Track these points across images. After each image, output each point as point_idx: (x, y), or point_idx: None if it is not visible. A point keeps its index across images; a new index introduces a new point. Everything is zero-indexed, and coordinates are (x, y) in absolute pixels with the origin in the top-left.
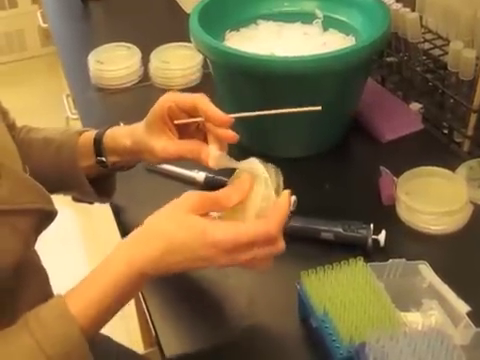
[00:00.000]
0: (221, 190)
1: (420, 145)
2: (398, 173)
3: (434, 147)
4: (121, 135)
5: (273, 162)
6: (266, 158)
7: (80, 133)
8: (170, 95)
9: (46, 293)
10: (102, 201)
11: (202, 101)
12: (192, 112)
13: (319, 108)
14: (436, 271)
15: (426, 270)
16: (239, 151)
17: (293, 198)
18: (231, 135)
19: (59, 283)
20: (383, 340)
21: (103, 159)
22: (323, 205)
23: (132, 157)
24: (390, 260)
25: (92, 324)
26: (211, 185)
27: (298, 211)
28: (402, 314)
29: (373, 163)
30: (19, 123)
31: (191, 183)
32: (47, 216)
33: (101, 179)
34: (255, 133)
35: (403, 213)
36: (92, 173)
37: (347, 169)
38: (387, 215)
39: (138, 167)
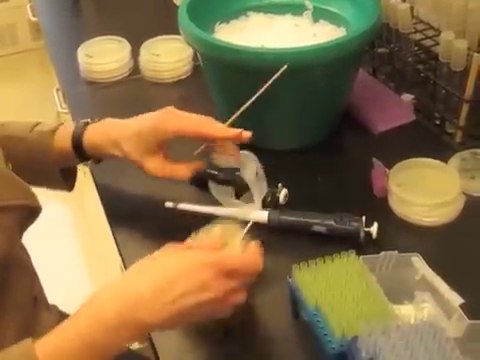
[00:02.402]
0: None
1: (412, 136)
2: (390, 165)
3: (426, 138)
4: (105, 145)
5: (265, 154)
6: (258, 150)
7: (53, 131)
8: (173, 122)
9: (33, 293)
10: (68, 190)
11: (207, 127)
12: (196, 136)
13: (285, 67)
14: (429, 263)
15: (419, 262)
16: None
17: (284, 191)
18: (246, 136)
19: (51, 278)
20: (375, 334)
21: (88, 163)
22: (315, 198)
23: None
24: (382, 252)
25: None
26: (201, 180)
27: (290, 204)
28: (395, 307)
29: (365, 155)
30: (11, 117)
31: None
32: (31, 212)
33: (66, 169)
34: (247, 126)
35: (395, 205)
36: (64, 166)
37: (339, 161)
38: (379, 207)
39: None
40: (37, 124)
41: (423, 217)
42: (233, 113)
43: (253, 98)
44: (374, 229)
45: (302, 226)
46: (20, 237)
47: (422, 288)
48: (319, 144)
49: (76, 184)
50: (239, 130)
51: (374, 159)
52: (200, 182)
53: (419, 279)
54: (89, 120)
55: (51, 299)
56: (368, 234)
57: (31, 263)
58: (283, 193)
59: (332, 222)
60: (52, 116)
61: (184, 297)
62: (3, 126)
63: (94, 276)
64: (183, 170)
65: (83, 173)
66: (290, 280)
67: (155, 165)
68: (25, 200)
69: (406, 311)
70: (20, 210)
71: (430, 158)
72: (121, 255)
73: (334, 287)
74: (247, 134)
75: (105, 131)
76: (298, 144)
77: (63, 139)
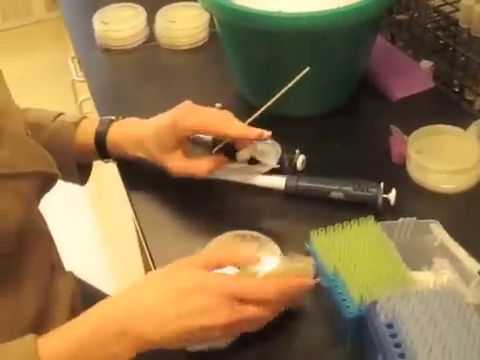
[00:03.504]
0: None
1: (431, 103)
2: (408, 132)
3: (445, 105)
4: (127, 145)
5: (282, 121)
6: (275, 117)
7: (76, 124)
8: (192, 118)
9: (51, 259)
10: (81, 184)
11: (227, 125)
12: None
13: (307, 69)
14: (447, 230)
15: (437, 229)
16: (248, 111)
17: (301, 157)
18: (267, 135)
19: (67, 248)
20: (394, 299)
21: (108, 160)
22: (333, 164)
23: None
24: (401, 219)
25: None
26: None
27: (307, 170)
28: (413, 273)
29: (383, 122)
30: (26, 88)
31: (199, 143)
32: (49, 179)
33: (82, 165)
34: (264, 92)
35: (414, 172)
36: (83, 161)
37: (357, 128)
38: (397, 174)
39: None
40: (60, 114)
41: (441, 184)
42: (249, 77)
43: (273, 99)
44: (392, 196)
45: (320, 192)
46: (37, 204)
47: (440, 255)
48: (337, 111)
49: None
50: (259, 130)
51: (392, 126)
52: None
53: (437, 246)
54: (113, 118)
55: (67, 266)
56: (386, 201)
57: (48, 230)
58: (301, 159)
59: (350, 188)
60: (67, 86)
61: (190, 319)
62: (27, 112)
63: (110, 244)
64: (204, 166)
65: None
66: (308, 246)
67: (176, 163)
68: (43, 167)
69: (424, 277)
70: (38, 177)
71: (449, 125)
72: (138, 221)
73: (352, 253)
74: (267, 133)
75: (126, 132)
76: (316, 111)
77: (86, 134)
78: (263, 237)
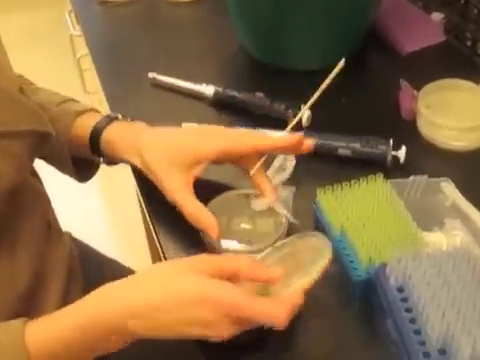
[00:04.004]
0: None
1: (441, 57)
2: (418, 87)
3: (456, 59)
4: (123, 149)
5: (287, 75)
6: (278, 71)
7: (78, 113)
8: (216, 144)
9: (47, 219)
10: (80, 180)
11: (261, 142)
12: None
13: (343, 60)
14: (459, 189)
15: (449, 187)
16: (253, 66)
17: (307, 113)
18: (308, 147)
19: (73, 226)
20: (405, 261)
21: (100, 159)
22: (340, 120)
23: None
24: (411, 177)
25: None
26: (221, 101)
27: (313, 127)
28: (424, 234)
29: (392, 76)
30: (24, 45)
31: (199, 98)
32: (43, 138)
33: (84, 160)
34: (269, 45)
35: (424, 128)
36: (79, 156)
37: (365, 82)
38: (407, 130)
39: (143, 82)
40: (67, 100)
41: (453, 141)
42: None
43: (315, 96)
44: (402, 153)
45: (326, 149)
46: (31, 163)
47: (452, 215)
48: (344, 64)
49: None
50: (300, 135)
51: (401, 80)
52: (222, 102)
53: (449, 205)
54: (119, 116)
55: (66, 228)
56: (395, 158)
57: (44, 190)
58: (306, 115)
59: (358, 145)
60: (65, 41)
61: (190, 329)
62: (36, 91)
63: (109, 205)
64: (203, 216)
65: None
66: (314, 205)
67: (178, 186)
68: (36, 125)
69: (436, 239)
70: (30, 136)
71: (461, 80)
72: (137, 181)
73: (360, 212)
74: (309, 143)
75: (127, 134)
76: (322, 64)
77: (84, 127)
78: None
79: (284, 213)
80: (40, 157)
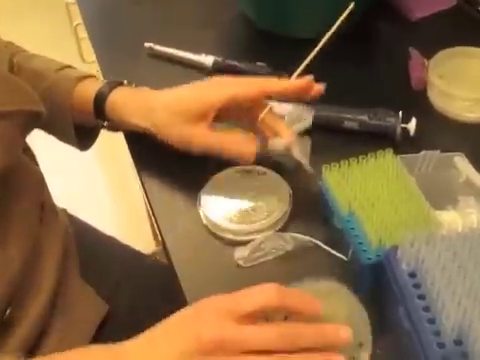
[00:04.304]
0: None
1: (453, 24)
2: (429, 55)
3: (469, 26)
4: (130, 111)
5: (288, 43)
6: (279, 38)
7: (79, 79)
8: (224, 92)
9: (40, 199)
10: (81, 148)
11: (269, 85)
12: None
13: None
14: (473, 164)
15: (462, 162)
16: (253, 34)
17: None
18: (318, 90)
19: (71, 201)
20: (418, 243)
21: (104, 124)
22: (346, 91)
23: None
24: (423, 151)
25: None
26: (220, 71)
27: (318, 98)
28: (437, 213)
29: (401, 44)
30: (21, 14)
31: (198, 68)
32: (33, 117)
33: (85, 128)
34: (271, 12)
35: (436, 99)
36: (80, 123)
37: (372, 50)
38: (418, 101)
39: (139, 53)
40: (65, 67)
41: (466, 113)
42: None
43: (318, 47)
44: (412, 125)
45: (332, 122)
46: (22, 143)
47: (466, 192)
48: (350, 32)
49: None
50: (309, 78)
51: (411, 48)
52: (222, 72)
53: (463, 181)
54: (125, 81)
55: (62, 202)
56: (405, 131)
57: (37, 169)
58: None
59: (365, 117)
60: (62, 7)
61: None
62: (31, 58)
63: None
64: (247, 147)
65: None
66: (320, 183)
67: (201, 135)
68: (26, 105)
69: (449, 217)
70: (21, 116)
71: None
72: (136, 164)
73: (369, 190)
74: (320, 87)
75: (132, 97)
76: (324, 32)
77: (87, 91)
78: (271, 173)
79: (301, 159)
80: (40, 127)
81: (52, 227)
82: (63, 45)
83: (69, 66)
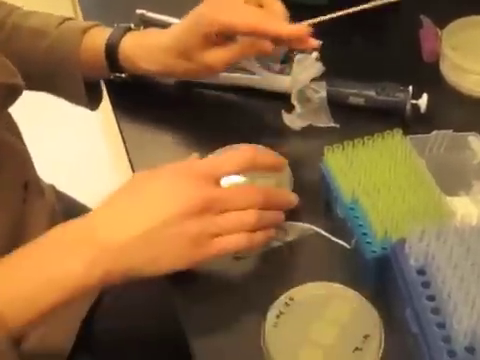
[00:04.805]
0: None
1: None
2: (442, 24)
3: None
4: (141, 57)
5: (291, 10)
6: (293, 5)
7: (84, 30)
8: (223, 12)
9: (24, 178)
10: (91, 108)
11: (265, 26)
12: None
13: None
14: None
15: (477, 143)
16: None
17: (314, 55)
18: (314, 44)
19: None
20: (428, 237)
21: (122, 75)
22: (351, 63)
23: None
24: (434, 131)
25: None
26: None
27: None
28: (448, 199)
29: (411, 12)
30: None
31: None
32: (11, 91)
33: (92, 84)
34: None
35: (449, 73)
36: (88, 79)
37: (380, 19)
38: (429, 75)
39: (131, 20)
40: (66, 19)
41: None
42: None
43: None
44: (423, 101)
45: (336, 98)
46: (1, 117)
47: None
48: None
49: None
50: (308, 29)
51: (422, 16)
52: None
53: (478, 164)
54: (132, 25)
55: (52, 180)
56: (415, 108)
57: (22, 145)
58: (313, 57)
59: (372, 92)
60: None
61: (151, 221)
62: (28, 15)
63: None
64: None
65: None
66: (321, 166)
67: (218, 55)
68: (4, 78)
69: (462, 204)
70: None
71: None
72: (122, 137)
73: (375, 175)
74: (315, 43)
75: (142, 42)
76: None
77: (94, 43)
78: None
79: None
80: (46, 90)
81: (36, 206)
82: (58, 4)
83: (70, 18)
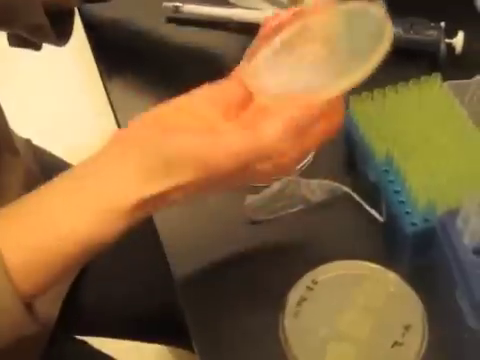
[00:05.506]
0: None
1: None
2: None
3: None
4: None
5: None
6: None
7: None
8: None
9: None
10: (58, 43)
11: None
12: None
13: None
14: None
15: None
16: None
17: None
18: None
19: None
20: None
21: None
22: None
23: None
24: (477, 76)
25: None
26: None
27: None
28: None
29: None
30: None
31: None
32: None
33: (58, 15)
34: None
35: None
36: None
37: None
38: (465, 10)
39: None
40: None
41: None
42: None
43: None
44: (458, 40)
45: None
46: None
47: None
48: None
49: None
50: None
51: None
52: None
53: None
54: None
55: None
56: (450, 48)
57: None
58: None
59: (398, 30)
60: None
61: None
62: None
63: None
64: None
65: None
66: (347, 119)
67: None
68: None
69: None
70: None
71: None
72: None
73: (413, 130)
74: None
75: None
76: None
77: None
78: None
79: None
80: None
81: (9, 168)
82: None
83: None
